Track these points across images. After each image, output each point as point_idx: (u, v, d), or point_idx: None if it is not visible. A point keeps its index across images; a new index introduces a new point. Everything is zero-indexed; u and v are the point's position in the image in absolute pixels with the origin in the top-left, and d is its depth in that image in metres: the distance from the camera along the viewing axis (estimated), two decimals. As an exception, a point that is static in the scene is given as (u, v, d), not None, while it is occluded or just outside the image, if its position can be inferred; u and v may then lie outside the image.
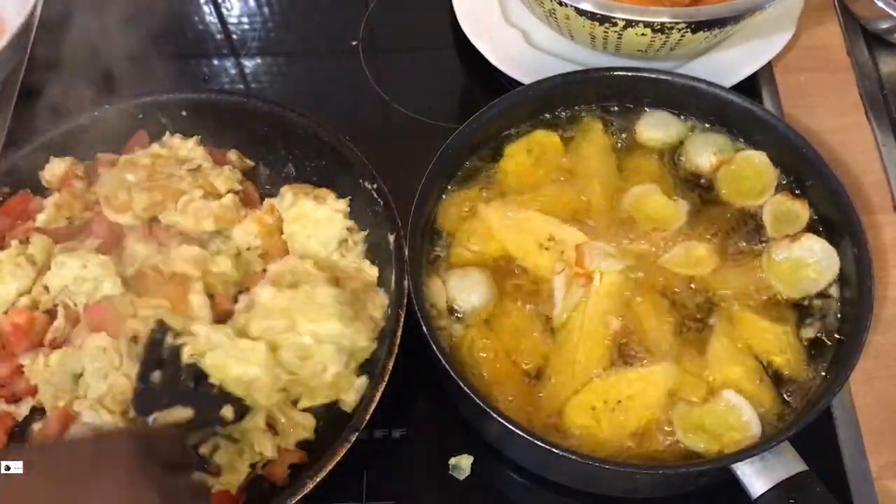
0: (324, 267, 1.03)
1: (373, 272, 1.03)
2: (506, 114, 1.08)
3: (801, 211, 1.02)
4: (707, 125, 1.10)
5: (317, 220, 1.06)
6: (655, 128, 1.10)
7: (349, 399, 0.96)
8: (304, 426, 0.95)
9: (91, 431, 0.90)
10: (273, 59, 1.42)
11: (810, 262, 0.97)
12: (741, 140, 1.09)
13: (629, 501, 0.99)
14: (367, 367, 0.99)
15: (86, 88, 1.33)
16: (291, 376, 0.94)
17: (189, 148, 1.13)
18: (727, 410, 0.89)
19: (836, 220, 0.98)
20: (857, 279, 0.93)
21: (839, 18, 1.38)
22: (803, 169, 1.03)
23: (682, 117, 1.11)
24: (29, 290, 1.02)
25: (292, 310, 0.95)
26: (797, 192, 1.04)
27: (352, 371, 0.97)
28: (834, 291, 0.97)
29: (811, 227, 1.01)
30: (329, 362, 0.94)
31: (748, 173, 1.05)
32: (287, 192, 1.09)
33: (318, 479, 0.86)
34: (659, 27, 1.06)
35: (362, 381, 0.97)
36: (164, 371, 0.91)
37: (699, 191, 1.06)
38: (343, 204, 1.07)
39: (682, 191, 1.06)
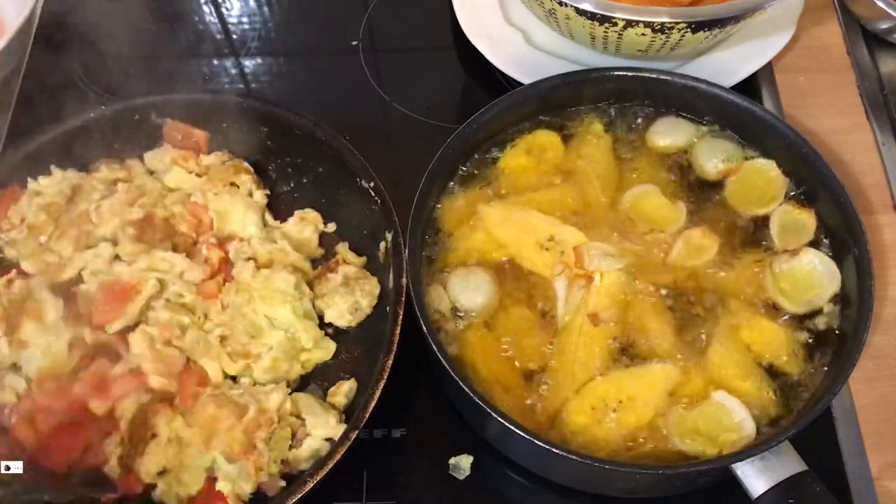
0: (300, 248, 1.07)
1: (359, 260, 1.07)
2: (506, 114, 1.08)
3: (807, 220, 1.01)
4: (716, 128, 1.10)
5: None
6: (665, 132, 1.10)
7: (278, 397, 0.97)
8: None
9: None
10: (273, 59, 1.42)
11: (812, 276, 0.97)
12: (751, 148, 1.08)
13: (629, 501, 0.99)
14: (366, 367, 1.00)
15: (84, 89, 1.34)
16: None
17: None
18: (719, 411, 0.89)
19: (837, 220, 0.98)
20: (857, 279, 0.93)
21: (839, 18, 1.38)
22: (804, 170, 1.02)
23: (692, 121, 1.11)
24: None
25: (253, 289, 1.00)
26: (804, 200, 1.03)
27: (292, 371, 1.00)
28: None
29: (816, 235, 1.01)
30: (275, 346, 0.98)
31: (757, 182, 1.05)
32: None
33: (318, 479, 0.86)
34: (659, 27, 1.06)
35: (351, 383, 0.98)
36: None
37: (704, 194, 1.06)
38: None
39: (686, 193, 1.06)
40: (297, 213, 1.12)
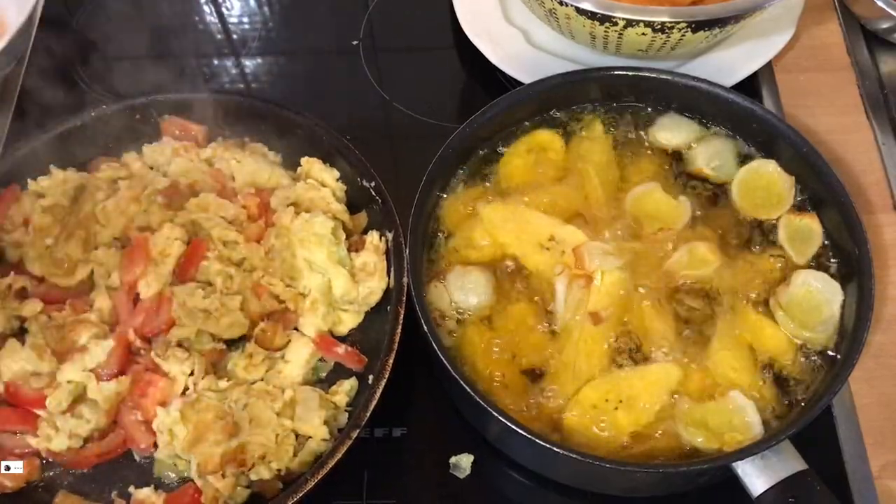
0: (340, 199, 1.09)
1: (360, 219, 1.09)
2: (506, 113, 1.08)
3: (812, 226, 1.01)
4: (718, 129, 1.10)
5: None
6: (669, 129, 1.10)
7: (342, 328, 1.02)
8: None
9: None
10: (273, 59, 1.42)
11: (813, 295, 0.95)
12: (753, 149, 1.08)
13: (629, 501, 0.99)
14: (367, 366, 1.00)
15: (84, 89, 1.34)
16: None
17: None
18: (733, 411, 0.89)
19: (837, 220, 0.98)
20: (857, 279, 0.93)
21: (839, 18, 1.38)
22: (804, 169, 1.02)
23: (695, 121, 1.11)
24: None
25: (292, 232, 1.03)
26: (805, 206, 1.03)
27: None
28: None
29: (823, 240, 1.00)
30: (314, 289, 1.00)
31: (760, 184, 1.05)
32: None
33: (318, 478, 0.86)
34: (659, 27, 1.06)
35: (351, 382, 0.98)
36: None
37: (706, 195, 1.06)
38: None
39: (687, 193, 1.06)
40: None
